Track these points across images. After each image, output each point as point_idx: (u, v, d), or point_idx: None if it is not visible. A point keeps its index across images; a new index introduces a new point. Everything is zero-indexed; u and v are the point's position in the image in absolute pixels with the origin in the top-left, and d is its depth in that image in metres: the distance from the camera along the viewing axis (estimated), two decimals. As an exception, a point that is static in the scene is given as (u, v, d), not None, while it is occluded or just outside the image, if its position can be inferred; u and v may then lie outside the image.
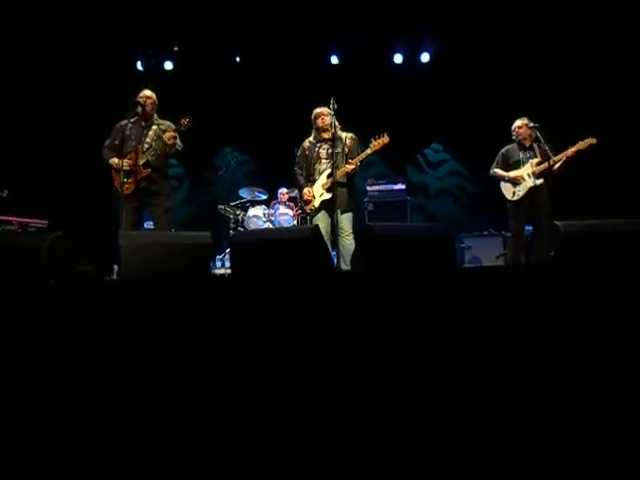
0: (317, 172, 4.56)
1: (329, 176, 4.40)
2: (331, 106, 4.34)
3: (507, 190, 5.04)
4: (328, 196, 4.40)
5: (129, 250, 2.85)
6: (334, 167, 4.30)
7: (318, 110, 4.56)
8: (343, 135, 4.53)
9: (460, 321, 1.83)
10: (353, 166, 4.36)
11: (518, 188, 4.96)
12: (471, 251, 6.51)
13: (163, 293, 1.98)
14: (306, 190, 4.56)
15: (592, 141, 4.69)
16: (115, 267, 6.38)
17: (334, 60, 8.05)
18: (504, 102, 6.83)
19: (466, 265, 6.44)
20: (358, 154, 4.41)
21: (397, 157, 7.52)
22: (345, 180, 4.45)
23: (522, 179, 4.93)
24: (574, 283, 2.04)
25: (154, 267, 2.78)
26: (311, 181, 4.58)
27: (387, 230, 2.87)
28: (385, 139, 4.31)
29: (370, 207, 6.83)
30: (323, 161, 4.50)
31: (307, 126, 4.71)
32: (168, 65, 8.10)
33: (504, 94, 7.06)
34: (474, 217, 7.59)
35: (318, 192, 4.52)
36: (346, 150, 4.47)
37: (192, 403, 1.80)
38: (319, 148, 4.55)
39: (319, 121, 4.53)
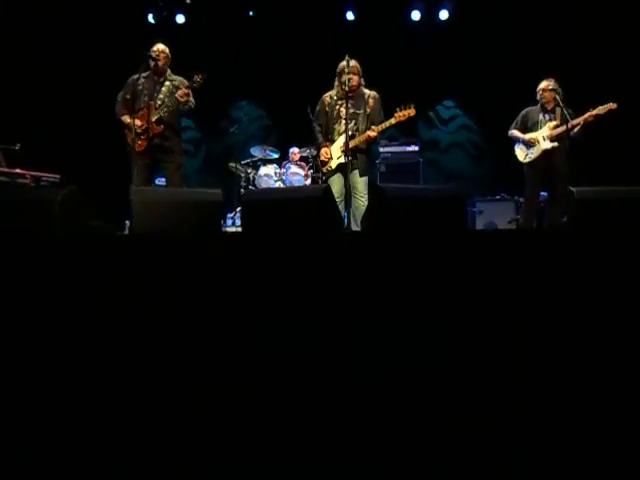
0: (336, 132, 4.40)
1: (350, 138, 4.20)
2: (345, 62, 4.22)
3: (520, 152, 4.97)
4: (347, 159, 4.20)
5: (140, 206, 2.86)
6: (347, 133, 4.11)
7: (343, 63, 4.27)
8: (366, 93, 4.36)
9: (468, 284, 1.84)
10: (375, 134, 4.22)
11: (531, 150, 4.88)
12: (483, 215, 6.47)
13: (175, 250, 2.00)
14: (324, 150, 4.42)
15: (612, 106, 4.57)
16: (127, 222, 6.45)
17: (350, 16, 7.83)
18: (522, 60, 6.74)
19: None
20: (381, 116, 4.29)
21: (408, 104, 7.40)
22: (364, 146, 4.33)
23: (536, 141, 4.84)
24: (585, 249, 2.02)
25: (165, 223, 2.80)
26: (329, 140, 4.44)
27: (398, 192, 2.85)
28: (411, 111, 4.19)
29: (382, 168, 6.76)
30: (343, 121, 4.26)
31: (321, 83, 4.60)
32: (180, 18, 7.94)
33: (523, 52, 6.90)
34: (484, 169, 7.79)
35: (336, 154, 4.37)
36: (368, 110, 4.32)
37: (206, 369, 1.83)
38: (340, 106, 4.33)
39: (344, 76, 4.21)
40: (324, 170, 4.49)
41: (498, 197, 6.59)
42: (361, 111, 4.32)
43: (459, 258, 1.87)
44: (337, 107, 4.38)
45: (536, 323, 1.79)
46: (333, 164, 4.40)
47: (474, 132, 8.17)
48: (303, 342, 1.79)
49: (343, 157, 4.25)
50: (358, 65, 4.31)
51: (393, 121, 4.23)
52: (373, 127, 4.25)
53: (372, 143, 4.40)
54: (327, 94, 4.48)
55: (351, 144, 4.19)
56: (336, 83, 4.39)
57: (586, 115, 4.61)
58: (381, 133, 4.31)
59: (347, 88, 4.16)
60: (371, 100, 4.35)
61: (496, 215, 6.36)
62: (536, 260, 1.90)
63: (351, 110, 4.27)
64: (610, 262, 1.91)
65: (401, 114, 4.21)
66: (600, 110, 4.59)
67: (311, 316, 1.83)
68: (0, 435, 1.73)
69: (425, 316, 1.85)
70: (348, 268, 1.93)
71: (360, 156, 4.33)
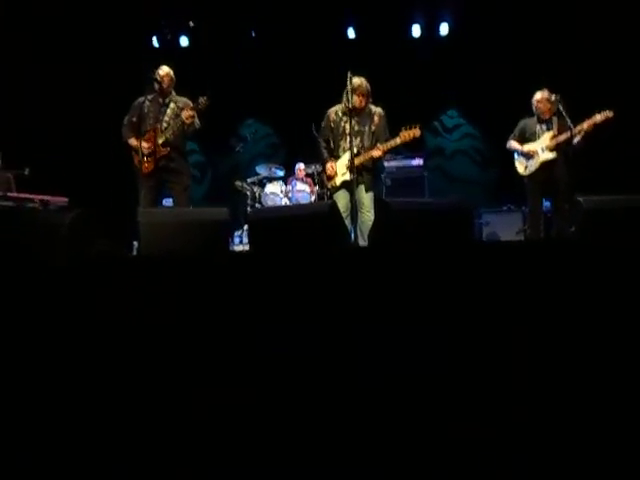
0: (341, 149, 4.39)
1: (355, 156, 4.18)
2: (348, 80, 4.22)
3: (520, 165, 4.95)
4: (351, 177, 4.17)
5: (148, 227, 2.89)
6: (351, 150, 4.10)
7: (357, 84, 4.22)
8: (372, 110, 4.36)
9: (476, 296, 1.83)
10: (380, 153, 4.22)
11: (530, 162, 4.86)
12: (490, 227, 6.46)
13: (183, 269, 2.01)
14: (329, 165, 4.41)
15: (608, 115, 4.56)
16: (135, 244, 6.48)
17: (351, 33, 7.93)
18: (522, 69, 6.83)
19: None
20: (386, 134, 4.30)
21: (414, 124, 7.47)
22: (370, 164, 4.32)
23: (535, 153, 4.82)
24: (594, 259, 2.01)
25: (173, 244, 2.82)
26: (335, 156, 4.44)
27: (405, 205, 2.87)
28: (416, 131, 4.17)
29: (388, 182, 6.78)
30: (348, 138, 4.23)
31: (324, 100, 4.63)
32: (184, 41, 8.06)
33: (522, 61, 7.00)
34: (489, 175, 7.90)
35: (341, 170, 4.37)
36: (373, 128, 4.32)
37: (210, 382, 1.83)
38: (345, 122, 4.29)
39: (355, 98, 4.20)
40: (329, 186, 4.51)
41: (505, 208, 6.58)
42: (366, 128, 4.32)
43: (467, 270, 1.86)
44: (342, 123, 4.36)
45: (543, 333, 1.78)
46: (338, 181, 4.41)
47: (478, 140, 8.32)
48: (310, 358, 1.79)
49: (348, 174, 4.24)
50: (367, 86, 4.28)
51: (398, 141, 4.20)
52: (378, 146, 4.23)
53: (377, 161, 4.41)
54: (332, 109, 4.47)
55: (356, 162, 4.17)
56: (343, 99, 4.31)
57: (585, 125, 4.59)
58: (386, 153, 4.32)
59: (350, 106, 4.16)
60: (376, 117, 4.35)
61: (503, 226, 6.35)
62: (544, 271, 1.89)
63: (356, 127, 4.28)
64: (619, 272, 1.90)
65: (406, 134, 4.19)
66: (597, 119, 4.57)
67: (320, 334, 1.82)
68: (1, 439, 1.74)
69: (433, 328, 1.84)
70: (356, 283, 1.93)
71: (365, 174, 4.34)
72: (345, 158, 4.32)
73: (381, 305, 1.84)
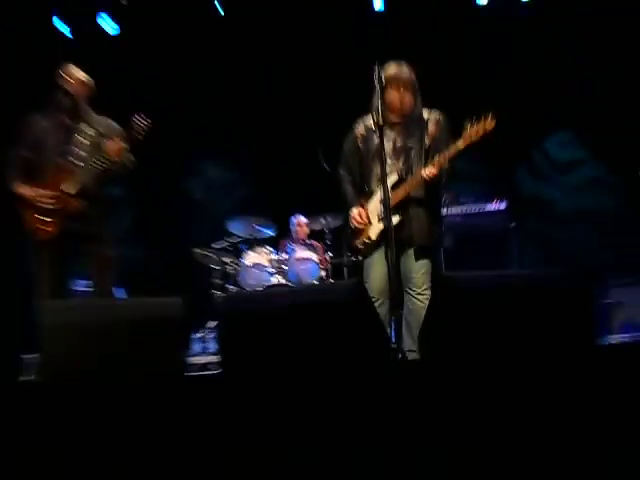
0: (375, 180, 4.41)
1: (396, 186, 4.25)
2: (375, 75, 4.24)
3: None
4: (395, 220, 4.13)
5: (54, 334, 2.91)
6: (384, 177, 3.98)
7: (393, 71, 4.31)
8: (426, 114, 4.43)
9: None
10: (436, 170, 4.17)
11: None
12: (624, 309, 6.44)
13: (106, 407, 2.03)
14: (356, 211, 4.44)
15: None
16: (27, 357, 6.49)
17: (377, 5, 8.20)
18: None
19: (616, 335, 6.36)
20: (446, 150, 4.21)
21: (495, 153, 7.42)
22: (423, 194, 4.34)
23: None
24: None
25: (93, 360, 2.83)
26: (365, 193, 4.50)
27: (478, 284, 2.88)
28: (488, 124, 4.12)
29: (448, 243, 6.83)
30: (388, 161, 4.26)
31: (336, 113, 4.73)
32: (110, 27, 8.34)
33: None
34: (630, 260, 7.40)
35: (377, 214, 4.39)
36: (427, 142, 4.38)
37: None
38: (381, 137, 4.13)
39: (392, 94, 4.29)
40: (359, 245, 4.50)
41: (642, 276, 6.59)
42: (414, 143, 4.38)
43: (586, 395, 1.88)
44: (376, 139, 4.23)
45: None
46: (372, 233, 4.42)
47: (613, 192, 7.99)
48: None
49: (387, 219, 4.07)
50: (411, 74, 4.36)
51: (461, 145, 4.07)
52: (436, 158, 4.19)
53: (436, 186, 4.38)
54: (359, 123, 4.57)
55: (401, 193, 4.26)
56: (374, 102, 4.17)
57: None
58: (448, 169, 4.25)
59: (380, 115, 4.19)
60: (431, 125, 4.41)
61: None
62: None
63: (398, 143, 4.38)
64: None
65: (473, 131, 4.08)
66: None
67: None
68: None
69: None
70: (399, 422, 1.94)
71: (416, 213, 4.33)
72: (381, 193, 4.12)
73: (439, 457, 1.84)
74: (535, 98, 7.38)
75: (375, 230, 4.41)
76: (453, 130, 4.37)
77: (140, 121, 4.41)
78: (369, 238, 4.44)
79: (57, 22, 8.22)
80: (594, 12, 7.55)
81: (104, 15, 8.17)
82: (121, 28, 8.31)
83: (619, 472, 1.88)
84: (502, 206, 6.93)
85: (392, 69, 4.31)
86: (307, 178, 5.15)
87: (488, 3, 8.03)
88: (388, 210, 3.98)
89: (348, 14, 7.86)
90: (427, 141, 4.40)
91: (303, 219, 7.27)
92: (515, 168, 8.12)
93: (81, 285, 6.02)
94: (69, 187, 4.47)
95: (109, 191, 4.87)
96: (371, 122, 4.41)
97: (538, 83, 7.61)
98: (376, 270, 4.34)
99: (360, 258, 4.61)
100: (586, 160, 8.13)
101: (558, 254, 7.97)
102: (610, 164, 7.97)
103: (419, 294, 4.29)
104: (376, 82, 4.11)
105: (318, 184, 4.78)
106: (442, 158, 4.18)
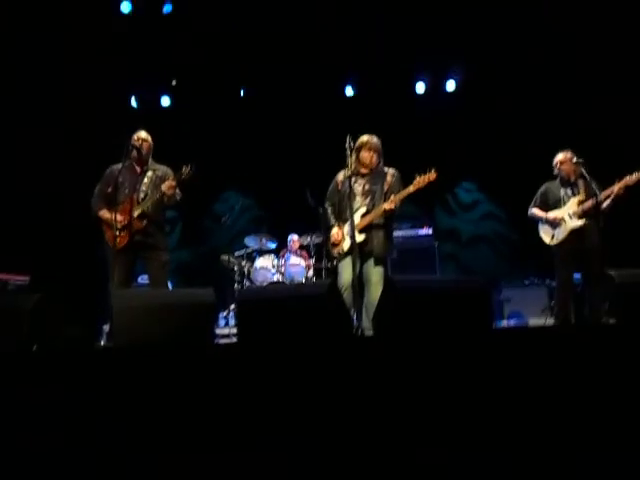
0: (350, 210, 4.47)
1: (363, 215, 4.40)
2: (347, 145, 4.41)
3: (545, 233, 5.01)
4: (361, 238, 4.35)
5: (122, 312, 2.90)
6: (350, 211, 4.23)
7: (366, 139, 4.52)
8: (386, 170, 4.57)
9: (498, 393, 1.84)
10: (392, 205, 4.35)
11: (558, 231, 4.92)
12: (511, 304, 6.46)
13: (161, 364, 2.02)
14: (335, 231, 4.56)
15: None
16: (105, 328, 6.46)
17: (349, 92, 8.25)
18: (546, 133, 6.94)
19: (505, 322, 6.39)
20: (401, 191, 4.42)
21: (423, 197, 7.50)
22: (382, 221, 4.45)
23: (562, 220, 4.89)
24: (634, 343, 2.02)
25: (151, 331, 2.82)
26: (342, 220, 4.57)
27: (413, 284, 2.90)
28: (432, 175, 4.35)
29: (393, 255, 6.83)
30: (358, 198, 4.47)
31: (319, 166, 4.79)
32: (165, 101, 8.36)
33: (545, 123, 7.17)
34: (515, 269, 7.45)
35: (349, 233, 4.46)
36: (386, 187, 4.50)
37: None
38: (354, 183, 4.51)
39: (364, 154, 4.49)
40: (335, 253, 4.59)
41: (527, 282, 6.62)
42: (378, 187, 4.50)
43: (485, 364, 1.88)
44: (351, 184, 4.49)
45: (573, 434, 1.77)
46: (345, 246, 4.50)
47: (502, 222, 8.07)
48: (307, 470, 1.77)
49: (358, 236, 4.32)
50: (377, 141, 4.53)
51: (412, 189, 4.37)
52: (391, 198, 4.39)
53: (390, 216, 4.51)
54: (341, 172, 4.67)
55: (367, 220, 4.38)
56: (352, 159, 4.46)
57: (616, 188, 4.69)
58: (398, 206, 4.41)
59: (353, 165, 4.34)
60: (389, 177, 4.55)
61: (527, 304, 6.35)
62: (575, 365, 1.90)
63: (367, 186, 4.47)
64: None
65: (420, 179, 4.36)
66: (628, 181, 4.69)
67: (315, 441, 1.81)
68: None
69: (446, 428, 1.83)
70: (358, 378, 1.94)
71: (376, 234, 4.44)
72: (355, 219, 4.41)
73: (387, 405, 1.84)
74: (450, 159, 7.42)
75: (347, 245, 4.49)
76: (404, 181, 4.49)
77: (186, 169, 4.44)
78: (343, 250, 4.52)
79: (133, 100, 8.27)
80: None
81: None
82: (172, 100, 8.35)
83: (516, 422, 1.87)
84: (429, 231, 6.97)
85: (366, 137, 4.53)
86: (299, 209, 5.14)
87: (424, 93, 8.16)
88: (353, 231, 4.22)
89: (327, 99, 8.05)
90: (386, 187, 4.51)
91: (296, 237, 7.29)
92: (434, 208, 8.18)
93: (143, 279, 5.99)
94: (135, 211, 4.47)
95: (165, 214, 4.83)
96: (348, 171, 4.51)
97: (454, 149, 7.69)
98: (346, 271, 4.41)
99: (335, 263, 4.67)
100: (483, 201, 8.24)
101: (466, 266, 7.99)
102: (500, 203, 8.11)
103: (375, 290, 4.33)
104: (348, 148, 4.35)
105: (306, 214, 4.81)
106: (397, 198, 4.38)
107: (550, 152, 5.18)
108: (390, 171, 4.58)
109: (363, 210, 4.43)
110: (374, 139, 4.52)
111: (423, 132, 7.82)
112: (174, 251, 8.09)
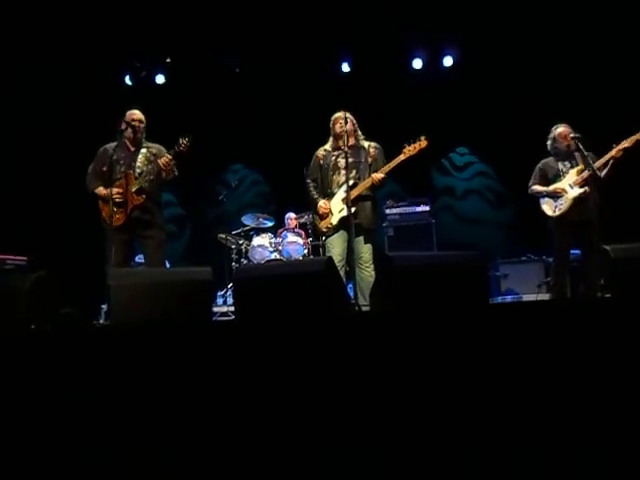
0: (335, 184, 4.51)
1: (351, 188, 4.29)
2: (341, 122, 4.42)
3: (548, 206, 4.98)
4: (351, 210, 4.21)
5: (120, 291, 2.89)
6: (347, 182, 4.19)
7: (337, 115, 4.56)
8: (366, 144, 4.55)
9: (494, 367, 1.84)
10: (382, 175, 4.34)
11: (560, 202, 4.89)
12: (508, 280, 6.48)
13: (158, 341, 2.01)
14: (322, 202, 4.51)
15: (639, 137, 4.65)
16: (103, 307, 6.47)
17: (345, 68, 8.19)
18: (535, 105, 7.12)
19: (502, 297, 6.40)
20: (384, 165, 4.41)
21: (421, 163, 7.54)
22: (369, 193, 4.43)
23: (563, 191, 4.88)
24: (629, 319, 2.02)
25: (148, 309, 2.81)
26: (327, 195, 4.54)
27: (410, 260, 2.89)
28: (422, 143, 4.33)
29: (390, 232, 6.84)
30: (342, 172, 4.40)
31: (316, 142, 4.77)
32: (160, 79, 8.28)
33: (534, 97, 7.28)
34: (512, 246, 7.56)
35: (337, 207, 4.45)
36: (369, 160, 4.48)
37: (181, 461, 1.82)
38: (337, 157, 4.50)
39: (337, 127, 4.51)
40: (323, 229, 4.55)
41: (524, 258, 6.62)
42: (362, 160, 4.48)
43: (483, 338, 1.88)
44: (333, 158, 4.54)
45: (568, 406, 1.78)
46: (334, 220, 4.47)
47: (491, 178, 8.53)
48: (303, 445, 1.78)
49: (345, 210, 4.26)
50: (350, 118, 4.50)
51: (402, 157, 4.36)
52: (382, 168, 4.38)
53: (378, 188, 4.50)
54: (321, 148, 4.68)
55: (355, 192, 4.32)
56: (331, 134, 4.60)
57: (613, 152, 4.67)
58: (384, 180, 4.40)
59: (345, 142, 4.27)
60: (372, 150, 4.54)
61: (523, 279, 6.37)
62: (571, 339, 1.90)
63: (351, 159, 4.39)
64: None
65: (411, 148, 4.35)
66: (626, 143, 4.66)
67: (314, 415, 1.81)
68: None
69: (443, 402, 1.84)
70: (357, 354, 1.94)
71: (364, 206, 4.41)
72: (341, 193, 4.42)
73: (386, 378, 1.84)
74: (445, 129, 7.57)
75: (336, 218, 4.47)
76: (390, 153, 4.49)
77: (184, 141, 4.38)
78: (331, 223, 4.49)
79: (128, 79, 8.19)
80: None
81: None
82: (167, 78, 8.29)
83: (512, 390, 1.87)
84: (426, 208, 6.94)
85: (337, 113, 4.56)
86: (296, 188, 5.11)
87: (421, 67, 8.16)
88: (349, 202, 4.17)
89: (323, 75, 8.02)
90: (370, 160, 4.51)
91: (293, 215, 7.32)
92: (431, 171, 8.61)
93: (140, 259, 5.98)
94: (132, 187, 4.44)
95: (162, 192, 4.80)
96: (328, 147, 4.63)
97: (448, 120, 7.79)
98: (336, 246, 4.44)
99: (324, 238, 4.70)
100: (475, 162, 8.66)
101: (463, 243, 8.06)
102: (490, 163, 8.49)
103: (366, 267, 4.38)
104: (344, 123, 4.41)
105: (304, 193, 4.79)
106: (387, 168, 4.38)
107: (543, 125, 5.18)
108: (372, 144, 4.58)
109: (350, 183, 4.30)
110: (345, 114, 4.47)
111: (419, 107, 7.84)
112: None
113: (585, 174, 4.79)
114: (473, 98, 7.85)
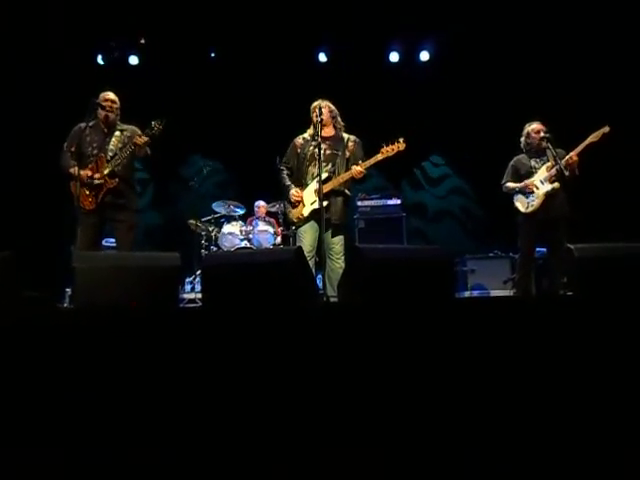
0: (310, 176, 4.43)
1: (325, 181, 4.23)
2: (316, 111, 4.37)
3: (520, 203, 5.03)
4: (323, 204, 4.18)
5: (85, 273, 2.85)
6: (320, 171, 4.13)
7: (315, 103, 4.47)
8: (345, 137, 4.50)
9: (457, 360, 1.86)
10: (360, 169, 4.26)
11: (531, 198, 4.96)
12: (475, 275, 6.56)
13: (122, 326, 1.99)
14: (294, 190, 4.45)
15: (605, 130, 4.74)
16: (68, 291, 6.36)
17: (322, 58, 8.15)
18: (515, 107, 6.89)
19: (468, 292, 6.49)
20: (362, 160, 4.35)
21: (391, 171, 7.51)
22: (341, 189, 4.39)
23: (534, 187, 4.95)
24: (591, 319, 2.06)
25: (113, 293, 2.78)
26: (301, 185, 4.48)
27: (379, 253, 2.90)
28: (401, 145, 4.25)
29: (361, 224, 6.85)
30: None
31: (289, 131, 4.73)
32: (133, 60, 8.16)
33: (515, 97, 7.17)
34: (480, 244, 7.51)
35: (309, 199, 4.39)
36: (348, 154, 4.43)
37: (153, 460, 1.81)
38: (315, 147, 4.31)
39: (314, 116, 4.40)
40: (294, 219, 4.51)
41: (491, 254, 6.71)
42: (339, 153, 4.42)
43: (447, 331, 1.90)
44: (311, 148, 4.44)
45: (533, 400, 1.81)
46: (305, 211, 4.42)
47: (468, 197, 8.13)
48: (269, 434, 1.78)
49: (317, 202, 4.22)
50: (330, 107, 4.46)
51: (380, 157, 4.27)
52: (359, 163, 4.31)
53: (358, 182, 4.47)
54: (300, 136, 4.60)
55: (329, 186, 4.26)
56: (311, 126, 4.48)
57: (580, 147, 4.76)
58: (364, 175, 4.34)
59: (318, 132, 4.24)
60: (351, 143, 4.48)
61: (489, 274, 6.46)
62: (534, 333, 1.94)
63: (328, 151, 4.36)
64: (618, 333, 1.96)
65: (389, 149, 4.25)
66: (593, 137, 4.76)
67: (280, 404, 1.82)
68: None
69: (408, 395, 1.86)
70: (324, 344, 1.94)
71: (336, 201, 4.38)
72: (315, 184, 4.31)
73: (353, 370, 1.85)
74: (420, 132, 7.39)
75: (308, 209, 4.43)
76: (369, 148, 4.46)
77: (157, 124, 4.32)
78: (302, 215, 4.45)
79: (100, 59, 8.06)
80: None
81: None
82: (140, 59, 8.16)
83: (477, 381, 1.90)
84: (397, 201, 6.95)
85: (316, 102, 4.46)
86: (267, 177, 5.09)
87: (398, 61, 8.13)
88: (320, 194, 4.12)
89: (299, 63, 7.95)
90: (348, 153, 4.44)
91: (262, 203, 7.26)
92: (401, 182, 8.21)
93: (108, 242, 5.88)
94: (105, 170, 4.36)
95: (136, 174, 4.73)
96: (307, 136, 4.54)
97: (424, 122, 7.66)
98: (307, 236, 4.40)
99: (294, 228, 4.64)
100: (450, 175, 8.26)
101: (433, 239, 8.05)
102: (468, 178, 8.16)
103: (337, 259, 4.36)
104: (317, 116, 4.33)
105: (275, 181, 4.75)
106: (367, 164, 4.31)
107: (519, 127, 5.23)
108: (351, 137, 4.52)
109: (324, 176, 4.26)
110: (324, 102, 4.45)
111: (395, 101, 7.78)
112: (143, 214, 7.94)
113: (553, 171, 4.87)
114: (450, 98, 7.74)
